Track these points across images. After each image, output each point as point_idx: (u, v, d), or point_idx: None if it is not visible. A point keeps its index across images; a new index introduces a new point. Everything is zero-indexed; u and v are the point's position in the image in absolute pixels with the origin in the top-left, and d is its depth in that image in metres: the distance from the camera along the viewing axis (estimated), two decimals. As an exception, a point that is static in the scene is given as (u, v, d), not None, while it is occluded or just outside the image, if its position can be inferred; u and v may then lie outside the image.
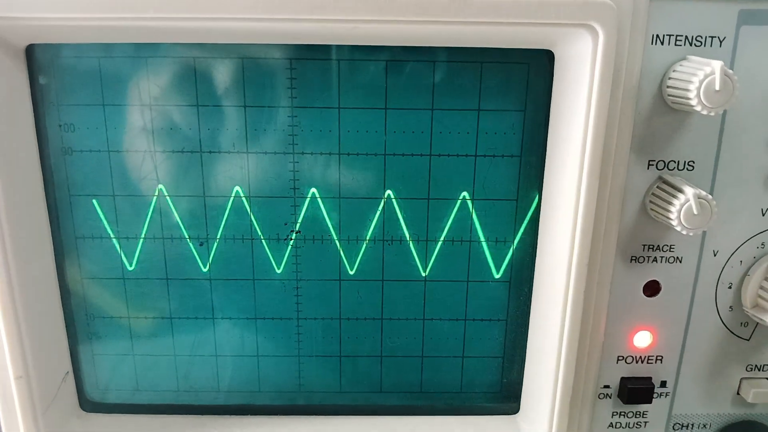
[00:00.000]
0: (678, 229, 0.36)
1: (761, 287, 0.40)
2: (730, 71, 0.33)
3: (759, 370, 0.43)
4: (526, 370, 0.42)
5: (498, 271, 0.41)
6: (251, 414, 0.43)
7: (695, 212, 0.35)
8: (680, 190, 0.35)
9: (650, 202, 0.38)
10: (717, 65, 0.32)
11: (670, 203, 0.35)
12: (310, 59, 0.36)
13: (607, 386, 0.43)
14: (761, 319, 0.39)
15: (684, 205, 0.35)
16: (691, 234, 0.36)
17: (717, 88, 0.32)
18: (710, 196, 0.35)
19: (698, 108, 0.33)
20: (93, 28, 0.33)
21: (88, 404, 0.43)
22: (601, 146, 0.35)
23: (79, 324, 0.41)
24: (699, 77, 0.32)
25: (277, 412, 0.43)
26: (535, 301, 0.39)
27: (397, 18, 0.32)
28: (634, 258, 0.40)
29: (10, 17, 0.32)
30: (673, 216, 0.35)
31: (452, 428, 0.42)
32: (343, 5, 0.32)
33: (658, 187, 0.38)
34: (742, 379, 0.43)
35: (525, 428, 0.42)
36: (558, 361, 0.38)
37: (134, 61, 0.36)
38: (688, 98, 0.33)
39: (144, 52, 0.36)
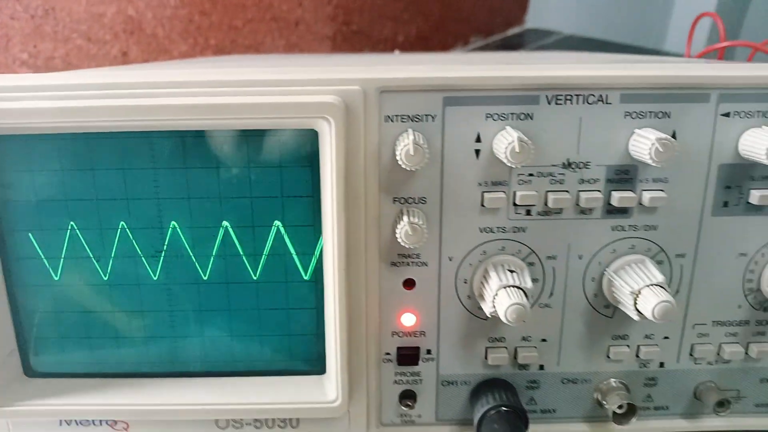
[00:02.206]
0: (402, 244, 0.54)
1: (481, 282, 0.58)
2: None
3: (497, 341, 0.61)
4: (326, 342, 0.60)
5: (306, 274, 0.60)
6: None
7: (410, 233, 0.54)
8: (400, 220, 0.54)
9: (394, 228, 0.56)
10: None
11: (396, 228, 0.54)
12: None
13: (388, 353, 0.61)
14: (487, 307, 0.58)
15: (402, 229, 0.54)
16: (411, 247, 0.54)
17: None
18: (421, 222, 0.54)
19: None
20: None
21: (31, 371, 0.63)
22: (343, 192, 0.53)
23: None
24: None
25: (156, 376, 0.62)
26: (326, 295, 0.58)
27: (178, 119, 0.52)
28: (393, 263, 0.58)
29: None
30: (398, 237, 0.54)
31: (274, 384, 0.61)
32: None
33: (397, 216, 0.56)
34: (486, 348, 0.62)
35: (326, 384, 0.60)
36: (335, 335, 0.57)
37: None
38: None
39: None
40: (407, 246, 0.53)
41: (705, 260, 0.58)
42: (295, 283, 0.58)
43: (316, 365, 0.60)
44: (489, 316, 0.54)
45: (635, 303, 0.53)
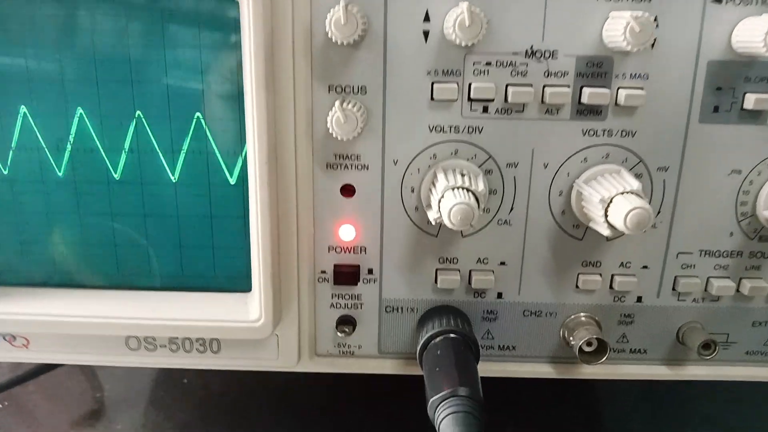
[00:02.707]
0: (335, 135, 0.47)
1: (429, 189, 0.50)
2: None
3: (449, 262, 0.53)
4: (251, 255, 0.53)
5: (232, 177, 0.52)
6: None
7: (342, 121, 0.46)
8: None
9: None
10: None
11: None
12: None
13: (323, 272, 0.54)
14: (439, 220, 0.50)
15: (333, 116, 0.46)
16: (344, 139, 0.47)
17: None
18: (357, 109, 0.46)
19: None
20: None
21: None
22: (263, 74, 0.45)
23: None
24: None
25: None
26: (250, 199, 0.51)
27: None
28: (329, 165, 0.50)
29: None
30: (329, 126, 0.46)
31: (193, 300, 0.53)
32: None
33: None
34: (437, 269, 0.54)
35: (250, 303, 0.53)
36: (259, 246, 0.49)
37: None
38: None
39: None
40: (339, 138, 0.46)
41: (691, 176, 0.50)
42: (219, 187, 0.51)
43: (242, 283, 0.52)
44: (433, 222, 0.46)
45: (605, 214, 0.45)
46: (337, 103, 0.45)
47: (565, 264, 0.52)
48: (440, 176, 0.47)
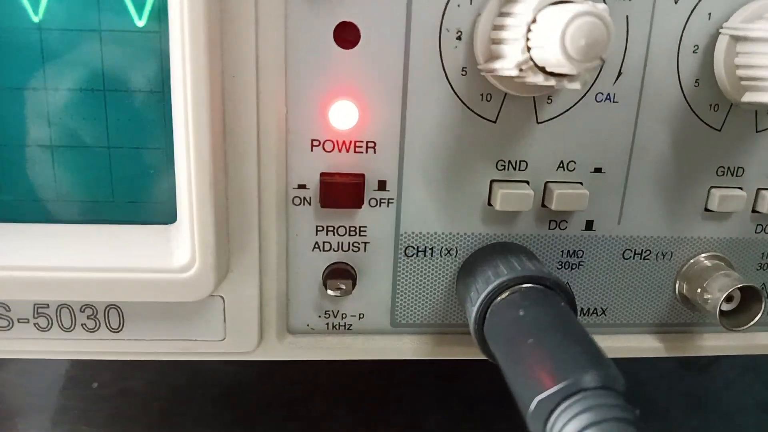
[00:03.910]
0: None
1: (494, 27, 0.28)
2: None
3: (513, 168, 0.31)
4: (175, 155, 0.29)
5: (141, 16, 0.29)
6: None
7: None
8: None
9: None
10: None
11: None
12: None
13: (303, 186, 0.31)
14: (494, 70, 0.28)
15: None
16: None
17: None
18: None
19: None
20: None
21: None
22: None
23: None
24: None
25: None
26: (173, 57, 0.27)
27: None
28: None
29: None
30: None
31: (83, 237, 0.30)
32: None
33: None
34: (491, 181, 0.32)
35: (175, 239, 0.29)
36: (185, 142, 0.26)
37: None
38: None
39: None
40: None
41: None
42: (117, 34, 0.27)
43: (160, 209, 0.29)
44: (517, 71, 0.24)
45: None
46: None
47: (693, 171, 0.32)
48: (519, -5, 0.25)
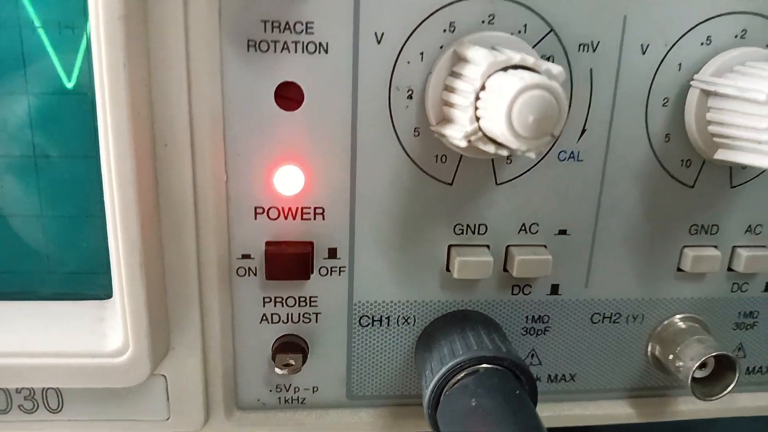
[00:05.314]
0: None
1: (446, 87, 0.26)
2: None
3: (472, 231, 0.29)
4: (108, 225, 0.27)
5: (70, 79, 0.27)
6: None
7: None
8: None
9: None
10: None
11: None
12: None
13: (247, 255, 0.29)
14: (445, 135, 0.26)
15: None
16: None
17: None
18: None
19: None
20: None
21: None
22: None
23: None
24: None
25: None
26: (100, 119, 0.25)
27: None
28: (253, 44, 0.26)
29: None
30: None
31: (15, 317, 0.27)
32: None
33: None
34: (450, 246, 0.30)
35: (109, 318, 0.27)
36: (115, 211, 0.24)
37: None
38: None
39: None
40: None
41: None
42: (46, 96, 0.25)
43: (96, 282, 0.27)
44: (461, 142, 0.22)
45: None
46: None
47: (664, 230, 0.30)
48: (472, 53, 0.23)
